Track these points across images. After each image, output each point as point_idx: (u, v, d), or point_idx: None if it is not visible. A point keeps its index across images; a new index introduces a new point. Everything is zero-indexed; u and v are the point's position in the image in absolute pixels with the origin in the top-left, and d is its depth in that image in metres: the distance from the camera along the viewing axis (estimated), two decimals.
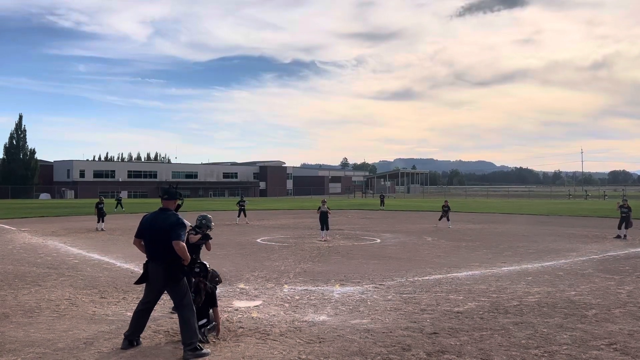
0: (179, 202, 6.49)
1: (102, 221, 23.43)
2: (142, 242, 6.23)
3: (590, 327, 7.02)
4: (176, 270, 5.98)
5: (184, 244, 6.05)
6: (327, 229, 19.25)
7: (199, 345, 5.84)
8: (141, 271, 6.31)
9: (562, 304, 8.38)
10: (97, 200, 24.92)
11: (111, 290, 9.58)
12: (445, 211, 25.71)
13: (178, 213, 6.32)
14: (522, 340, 6.38)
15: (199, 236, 7.59)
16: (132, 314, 6.37)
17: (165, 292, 6.19)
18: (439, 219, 25.88)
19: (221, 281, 7.28)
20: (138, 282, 6.27)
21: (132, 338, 6.09)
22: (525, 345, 6.18)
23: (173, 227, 5.98)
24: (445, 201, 27.68)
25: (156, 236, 6.03)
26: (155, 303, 6.32)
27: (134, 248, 6.60)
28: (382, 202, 47.57)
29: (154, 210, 6.39)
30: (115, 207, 39.68)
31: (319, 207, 19.67)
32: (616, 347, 6.11)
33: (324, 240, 18.28)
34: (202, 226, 7.86)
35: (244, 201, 29.02)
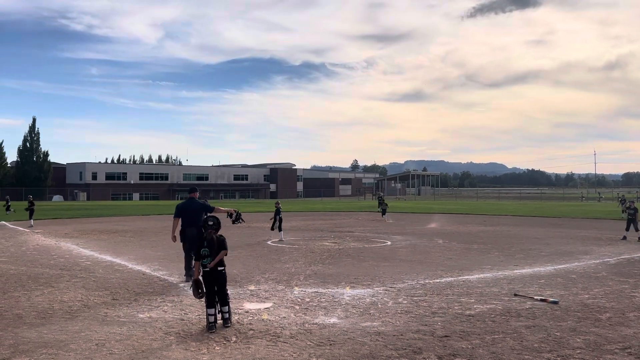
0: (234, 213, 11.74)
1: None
2: (180, 220, 10.51)
3: (604, 330, 6.94)
4: (201, 232, 8.50)
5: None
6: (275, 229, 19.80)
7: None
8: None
9: (575, 308, 8.29)
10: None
11: (123, 292, 9.64)
12: (383, 207, 26.73)
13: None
14: (535, 344, 6.32)
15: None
16: (184, 261, 10.62)
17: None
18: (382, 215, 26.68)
19: None
20: (183, 241, 10.44)
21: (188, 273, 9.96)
22: (538, 349, 6.12)
23: (205, 207, 10.52)
24: (380, 196, 28.84)
25: (194, 212, 10.41)
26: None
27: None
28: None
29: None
30: (7, 210, 36.58)
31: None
32: (631, 352, 6.03)
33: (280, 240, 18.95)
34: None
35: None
